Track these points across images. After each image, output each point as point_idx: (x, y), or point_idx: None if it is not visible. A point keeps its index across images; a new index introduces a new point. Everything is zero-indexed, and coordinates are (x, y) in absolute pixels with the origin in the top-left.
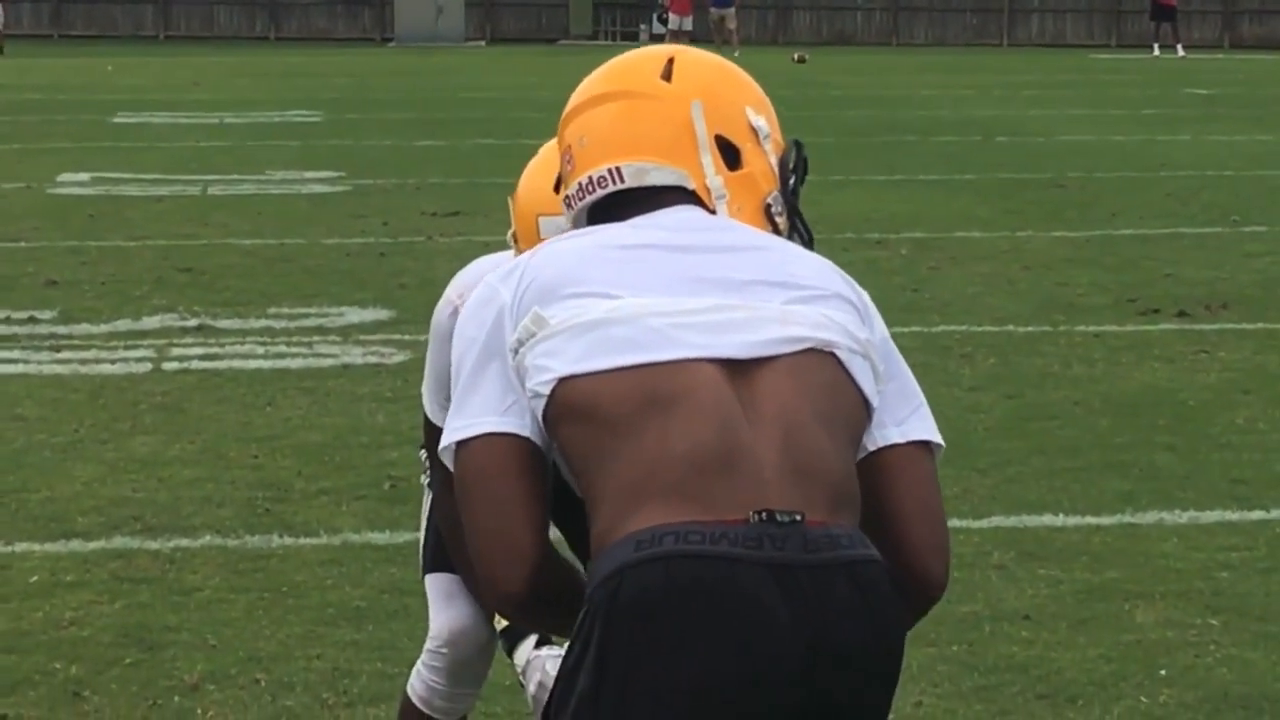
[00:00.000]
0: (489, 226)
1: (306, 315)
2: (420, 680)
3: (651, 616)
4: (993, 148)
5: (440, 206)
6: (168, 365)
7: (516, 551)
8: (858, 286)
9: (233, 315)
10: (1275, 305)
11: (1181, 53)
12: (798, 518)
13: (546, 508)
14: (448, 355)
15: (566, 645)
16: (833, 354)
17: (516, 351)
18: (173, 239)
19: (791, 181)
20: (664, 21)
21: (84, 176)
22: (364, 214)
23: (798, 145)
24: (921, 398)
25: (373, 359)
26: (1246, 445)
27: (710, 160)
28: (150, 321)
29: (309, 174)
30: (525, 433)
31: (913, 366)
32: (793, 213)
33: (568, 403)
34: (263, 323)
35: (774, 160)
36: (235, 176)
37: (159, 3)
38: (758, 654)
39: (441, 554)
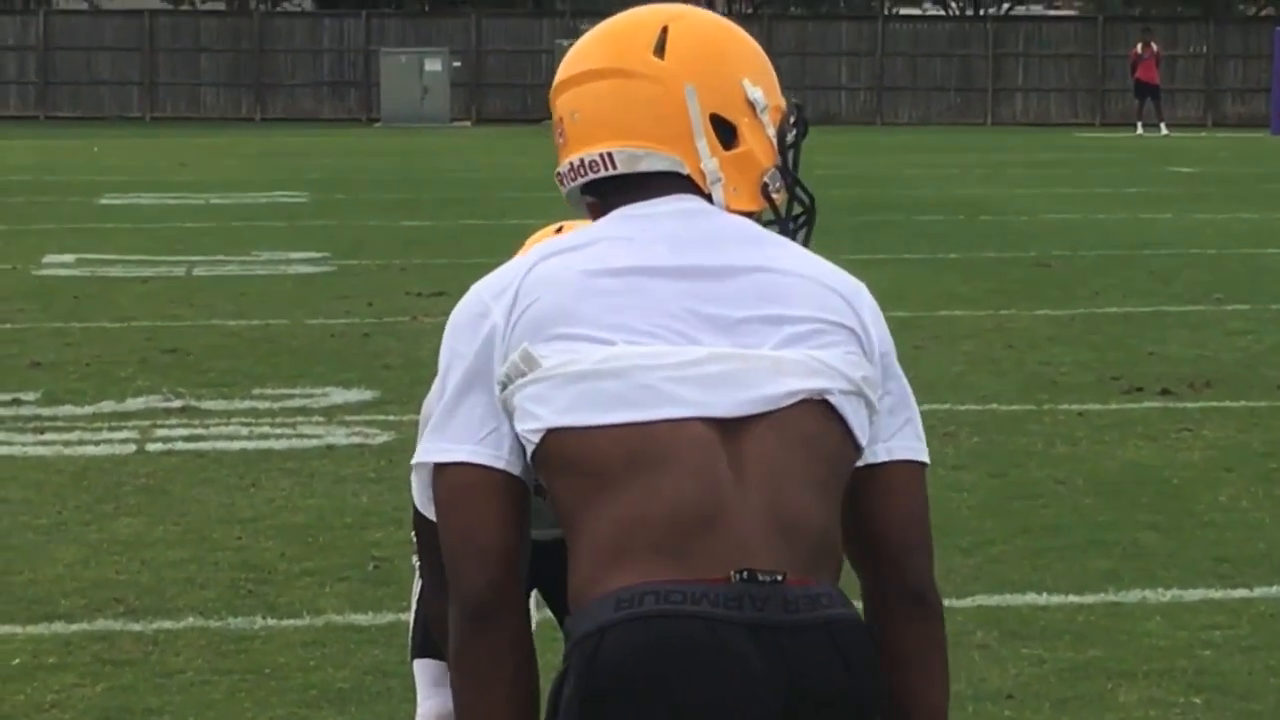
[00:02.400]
0: None
1: (291, 396)
2: None
3: (631, 676)
4: (977, 226)
5: (425, 287)
6: (151, 446)
7: (484, 556)
8: (857, 292)
9: (217, 396)
10: (1258, 383)
11: (1165, 131)
12: (779, 578)
13: (522, 534)
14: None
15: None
16: (825, 400)
17: (505, 386)
18: (157, 320)
19: (791, 149)
20: None
21: (69, 258)
22: (349, 294)
23: (798, 108)
24: (914, 409)
25: (357, 440)
26: (1230, 523)
27: (705, 144)
28: (134, 403)
29: (294, 255)
30: (502, 464)
31: None
32: (792, 183)
33: (555, 454)
34: (247, 404)
35: (772, 131)
36: (220, 257)
37: (145, 84)
38: (736, 713)
39: (430, 638)
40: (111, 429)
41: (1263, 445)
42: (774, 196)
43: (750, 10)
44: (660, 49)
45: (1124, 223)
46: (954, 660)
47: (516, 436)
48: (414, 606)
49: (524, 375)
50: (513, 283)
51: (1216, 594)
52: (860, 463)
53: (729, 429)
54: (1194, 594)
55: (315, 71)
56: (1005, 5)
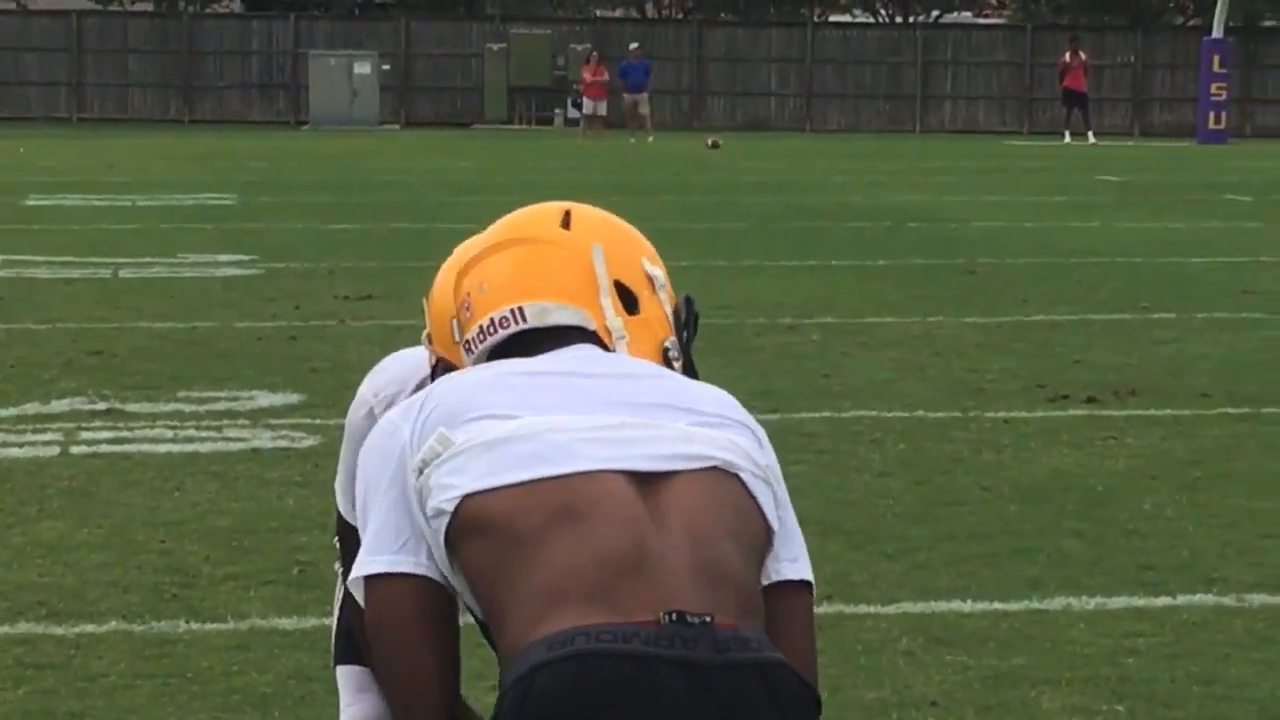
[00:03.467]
0: (402, 310)
1: (217, 399)
2: None
3: (562, 713)
4: (905, 233)
5: (353, 290)
6: (76, 449)
7: (423, 697)
8: (754, 421)
9: (142, 399)
10: (1183, 392)
11: (1093, 140)
12: (708, 619)
13: (453, 646)
14: (357, 455)
15: None
16: (737, 476)
17: (421, 472)
18: (83, 322)
19: (685, 334)
20: (578, 106)
21: None
22: (276, 297)
23: (689, 301)
24: (801, 538)
25: (283, 443)
26: (1154, 531)
27: (610, 303)
28: (59, 405)
29: (222, 257)
30: (422, 570)
31: (822, 453)
32: (688, 361)
33: (473, 518)
34: (172, 406)
35: (669, 309)
36: (147, 259)
37: (73, 85)
38: None
39: (354, 645)
40: (36, 431)
41: (1187, 453)
42: (674, 364)
43: (680, 16)
44: (566, 224)
45: (1052, 231)
46: (879, 667)
47: (435, 538)
48: (336, 612)
49: (438, 455)
50: (420, 399)
51: (1140, 602)
52: (772, 577)
53: (646, 482)
54: (1118, 601)
55: (244, 73)
56: (934, 13)
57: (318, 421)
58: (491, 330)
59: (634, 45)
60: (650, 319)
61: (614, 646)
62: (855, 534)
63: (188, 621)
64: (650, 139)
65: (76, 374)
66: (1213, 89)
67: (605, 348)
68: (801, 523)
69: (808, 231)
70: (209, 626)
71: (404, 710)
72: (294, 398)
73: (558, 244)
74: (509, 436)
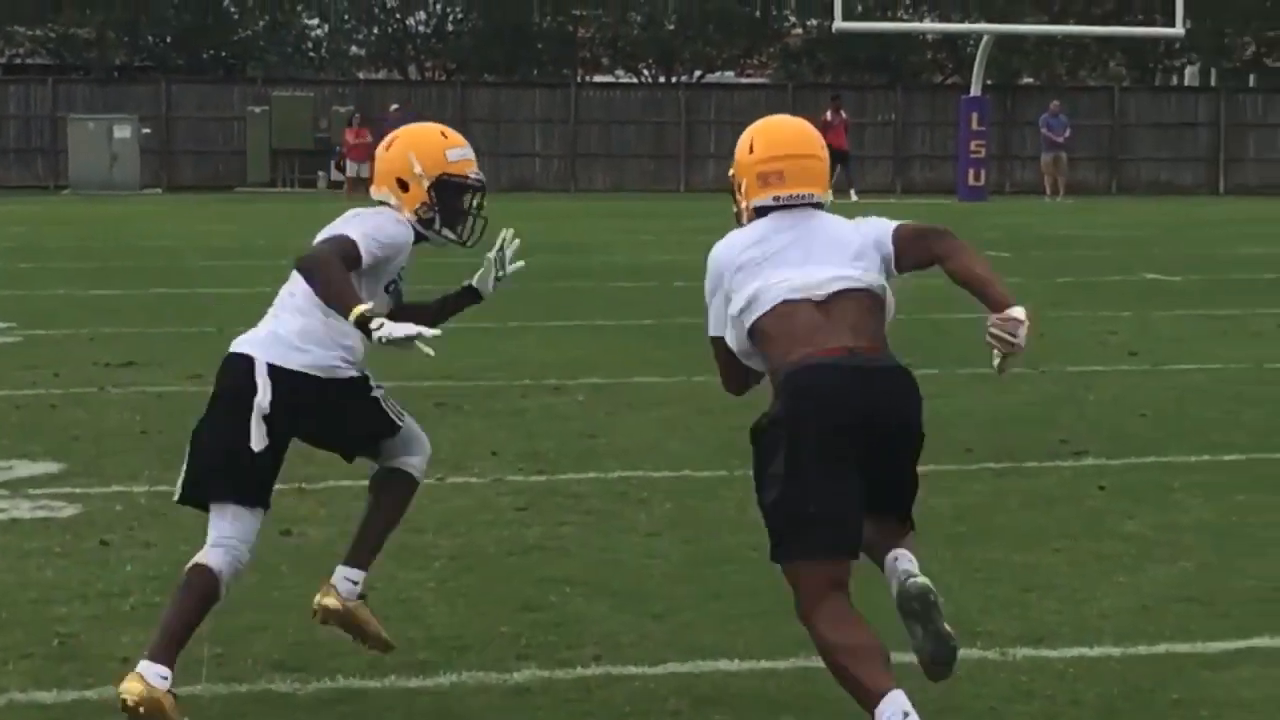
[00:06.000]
0: (164, 377)
1: None
2: (229, 562)
3: (806, 385)
4: (670, 292)
5: (114, 357)
6: None
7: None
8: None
9: None
10: (947, 447)
11: (855, 197)
12: (862, 346)
13: (737, 363)
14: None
15: None
16: (868, 290)
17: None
18: None
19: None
20: (341, 169)
21: None
22: (35, 365)
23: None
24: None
25: (42, 513)
26: None
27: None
28: None
29: None
30: (729, 337)
31: (589, 513)
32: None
33: (749, 326)
34: None
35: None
36: None
37: None
38: (849, 396)
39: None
40: None
41: (951, 509)
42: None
43: (444, 77)
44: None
45: None
46: None
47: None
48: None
49: (734, 280)
50: (726, 243)
51: (906, 657)
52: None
53: (822, 305)
54: None
55: (1, 138)
56: (697, 73)
57: (78, 490)
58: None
59: (394, 107)
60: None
61: (823, 359)
62: (623, 594)
63: None
64: None
65: None
66: (972, 146)
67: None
68: (568, 584)
69: (573, 292)
70: None
71: (725, 379)
72: (54, 467)
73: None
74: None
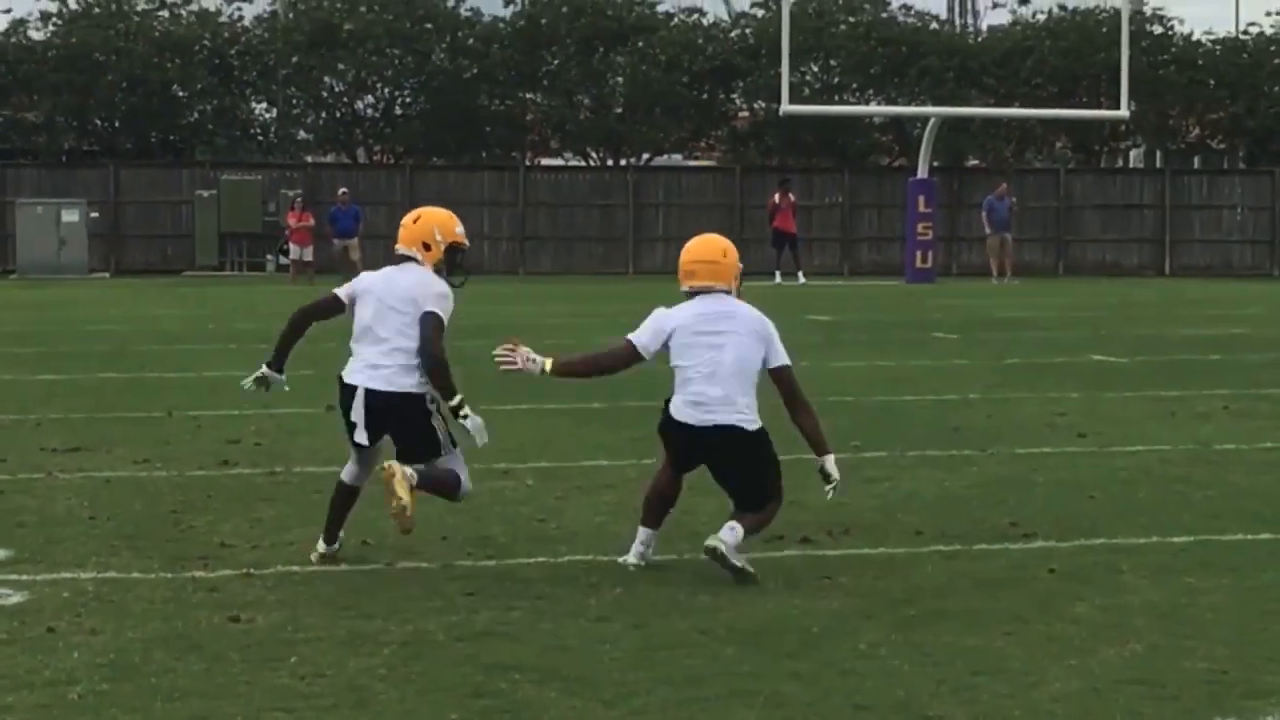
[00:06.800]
0: (111, 462)
1: None
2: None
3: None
4: (616, 376)
5: (61, 442)
6: None
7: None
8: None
9: None
10: (895, 530)
11: (803, 279)
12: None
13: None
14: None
15: None
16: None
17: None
18: None
19: None
20: (285, 253)
21: None
22: None
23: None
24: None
25: None
26: (869, 671)
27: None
28: None
29: None
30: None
31: (539, 599)
32: None
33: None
34: None
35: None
36: None
37: None
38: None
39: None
40: None
41: (901, 592)
42: None
43: (392, 160)
44: (724, 254)
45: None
46: None
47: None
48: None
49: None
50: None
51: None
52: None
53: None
54: None
55: None
56: (645, 156)
57: (24, 577)
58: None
59: (342, 191)
60: None
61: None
62: (573, 680)
63: None
64: None
65: None
66: (919, 229)
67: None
68: (518, 670)
69: (523, 374)
70: None
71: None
72: (0, 553)
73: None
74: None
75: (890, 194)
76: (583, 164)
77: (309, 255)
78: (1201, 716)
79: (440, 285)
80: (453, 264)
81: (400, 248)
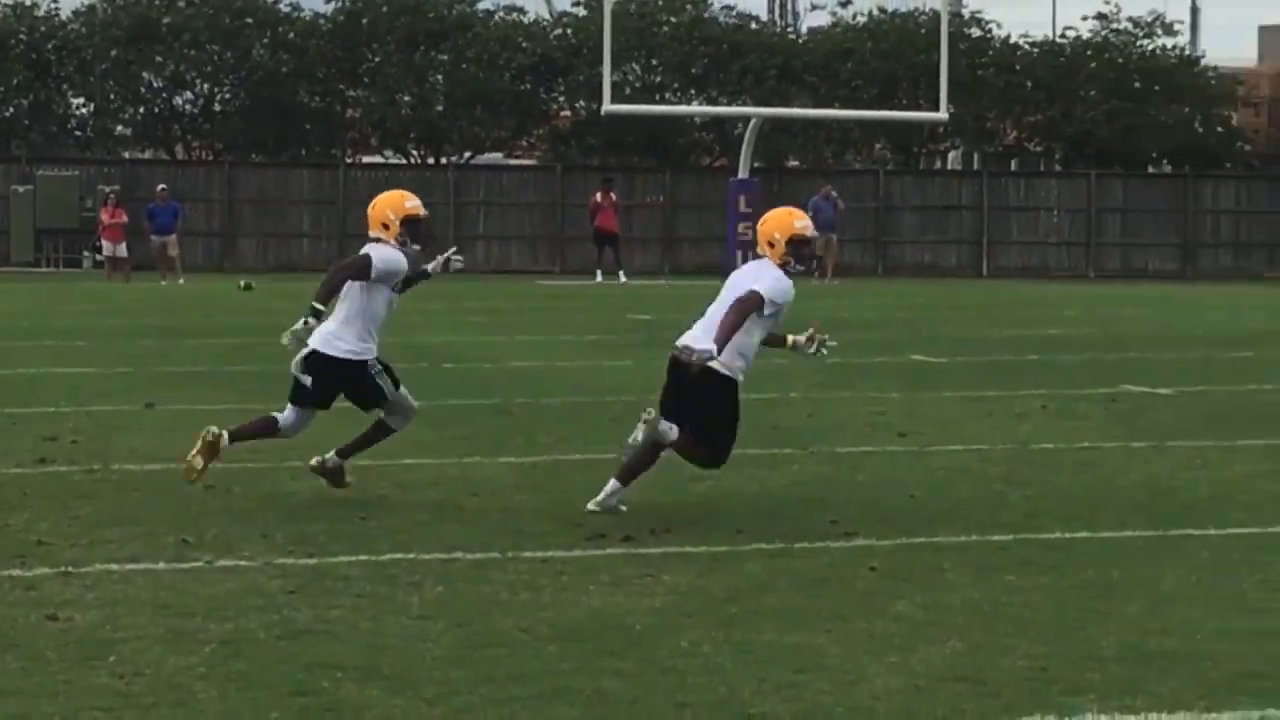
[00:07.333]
0: None
1: None
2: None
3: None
4: (440, 374)
5: None
6: None
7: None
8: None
9: None
10: (718, 527)
11: (624, 279)
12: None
13: None
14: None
15: None
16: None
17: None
18: None
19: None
20: (98, 249)
21: None
22: None
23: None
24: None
25: None
26: (691, 669)
27: None
28: None
29: None
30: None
31: (360, 597)
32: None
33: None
34: None
35: None
36: None
37: None
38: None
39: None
40: None
41: (723, 590)
42: None
43: (211, 157)
44: None
45: (585, 370)
46: None
47: None
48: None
49: None
50: None
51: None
52: None
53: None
54: None
55: None
56: (466, 154)
57: None
58: None
59: (161, 187)
60: None
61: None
62: (394, 679)
63: None
64: (181, 281)
65: None
66: (740, 228)
67: None
68: (340, 668)
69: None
70: None
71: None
72: None
73: None
74: None
75: (711, 194)
76: (403, 162)
77: (123, 251)
78: (1022, 712)
79: (392, 253)
80: (416, 234)
81: (371, 231)
